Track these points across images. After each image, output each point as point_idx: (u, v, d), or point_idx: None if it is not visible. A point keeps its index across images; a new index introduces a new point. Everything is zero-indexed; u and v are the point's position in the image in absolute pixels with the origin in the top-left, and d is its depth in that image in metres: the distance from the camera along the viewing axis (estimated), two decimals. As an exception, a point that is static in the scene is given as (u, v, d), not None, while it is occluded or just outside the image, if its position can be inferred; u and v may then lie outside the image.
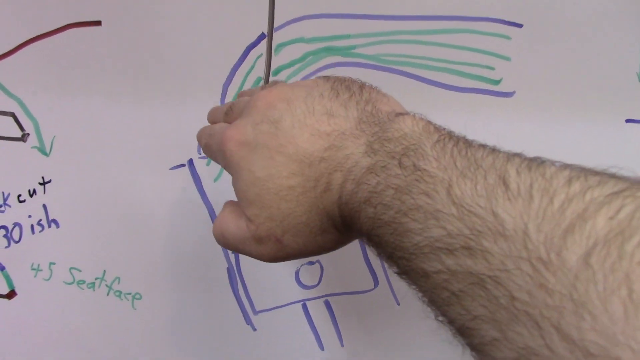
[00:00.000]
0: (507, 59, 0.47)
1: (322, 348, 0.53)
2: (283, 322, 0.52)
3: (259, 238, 0.29)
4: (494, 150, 0.24)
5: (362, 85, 0.31)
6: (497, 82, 0.48)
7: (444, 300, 0.22)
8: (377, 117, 0.28)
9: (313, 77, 0.33)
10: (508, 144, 0.48)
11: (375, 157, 0.26)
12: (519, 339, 0.19)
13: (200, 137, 0.37)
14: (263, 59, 0.48)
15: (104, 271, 0.51)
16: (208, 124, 0.48)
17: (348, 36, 0.47)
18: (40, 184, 0.50)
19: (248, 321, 0.52)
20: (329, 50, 0.48)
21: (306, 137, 0.28)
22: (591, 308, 0.17)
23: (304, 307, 0.52)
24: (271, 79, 0.48)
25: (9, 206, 0.50)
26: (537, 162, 0.22)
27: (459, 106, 0.48)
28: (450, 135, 0.26)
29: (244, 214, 0.30)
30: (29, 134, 0.49)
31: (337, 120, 0.28)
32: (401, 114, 0.28)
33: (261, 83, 0.48)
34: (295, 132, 0.28)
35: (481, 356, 0.21)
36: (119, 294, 0.52)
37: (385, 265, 0.27)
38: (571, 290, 0.18)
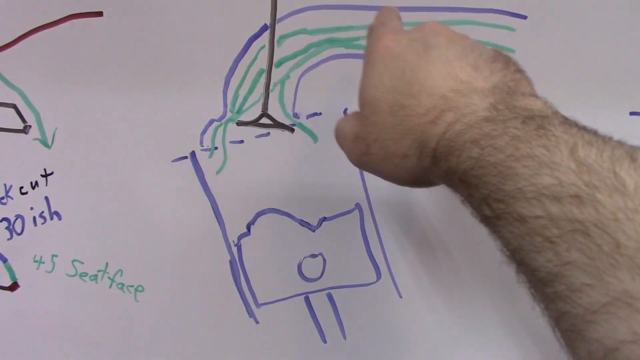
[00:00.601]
0: (512, 50, 0.47)
1: (324, 341, 0.53)
2: (285, 315, 0.52)
3: (356, 136, 0.32)
4: (620, 141, 0.24)
5: (518, 69, 0.31)
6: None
7: (535, 246, 0.22)
8: (513, 90, 0.29)
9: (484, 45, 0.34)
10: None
11: (495, 113, 0.26)
12: (618, 284, 0.19)
13: (377, 15, 0.38)
14: (265, 51, 0.48)
15: (107, 264, 0.51)
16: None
17: (351, 27, 0.47)
18: (42, 176, 0.50)
19: (250, 314, 0.52)
20: (332, 42, 0.47)
21: (442, 72, 0.29)
22: None
23: (307, 300, 0.52)
24: (274, 70, 0.48)
25: (11, 198, 0.50)
26: None
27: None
28: (577, 122, 0.26)
29: (359, 117, 0.32)
30: (30, 126, 0.49)
31: (477, 75, 0.29)
32: (535, 95, 0.29)
33: (264, 75, 0.48)
34: (437, 63, 0.29)
35: (559, 304, 0.22)
36: (121, 286, 0.52)
37: (470, 211, 0.27)
38: None
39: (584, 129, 0.25)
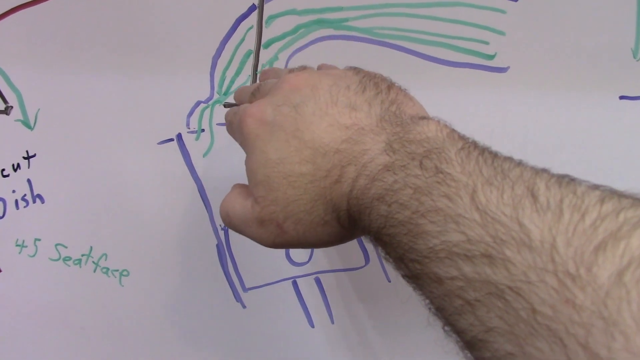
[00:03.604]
0: (502, 33, 0.47)
1: (312, 325, 0.53)
2: (273, 300, 0.52)
3: (261, 220, 0.29)
4: (520, 163, 0.23)
5: (390, 85, 0.30)
6: (491, 57, 0.47)
7: (455, 308, 0.21)
8: (400, 118, 0.28)
9: (344, 68, 0.33)
10: (501, 119, 0.47)
11: (394, 156, 0.25)
12: (539, 354, 0.18)
13: (226, 115, 0.37)
14: (253, 31, 0.47)
15: (91, 247, 0.51)
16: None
17: (340, 8, 0.46)
18: (24, 158, 0.49)
19: (238, 298, 0.52)
20: (321, 23, 0.47)
21: (325, 126, 0.28)
22: (624, 327, 0.16)
23: (294, 284, 0.52)
24: (263, 51, 0.47)
25: (-8, 181, 0.49)
26: (566, 179, 0.22)
27: (452, 81, 0.48)
28: (475, 144, 0.25)
29: (251, 196, 0.30)
30: (12, 107, 0.48)
31: (358, 115, 0.28)
32: (425, 117, 0.28)
33: (252, 56, 0.47)
34: (315, 119, 0.28)
35: None
36: (106, 270, 0.51)
37: (392, 266, 0.26)
38: (601, 307, 0.17)
39: (481, 155, 0.24)
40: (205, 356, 0.53)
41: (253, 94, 0.34)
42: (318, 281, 0.52)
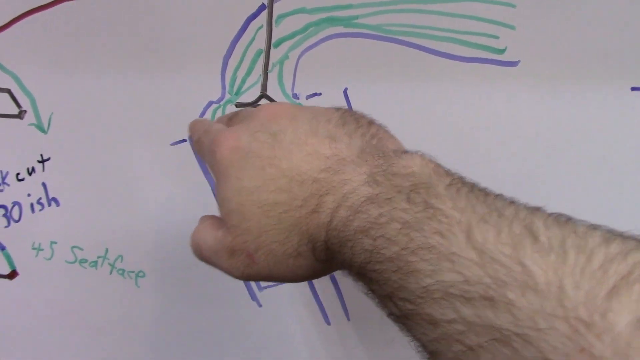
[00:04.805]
0: (512, 27, 0.47)
1: (328, 323, 0.53)
2: (288, 298, 0.52)
3: (232, 250, 0.28)
4: (513, 201, 0.22)
5: (371, 121, 0.30)
6: (501, 51, 0.47)
7: (455, 354, 0.20)
8: (382, 151, 0.27)
9: (324, 107, 0.32)
10: (512, 113, 0.47)
11: (378, 188, 0.24)
12: None
13: (193, 129, 0.35)
14: (263, 31, 0.47)
15: (107, 249, 0.51)
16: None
17: (350, 6, 0.46)
18: (39, 161, 0.49)
19: (253, 297, 0.52)
20: (331, 21, 0.47)
21: (303, 155, 0.27)
22: None
23: (309, 282, 0.52)
24: (273, 51, 0.47)
25: (8, 185, 0.49)
26: (564, 218, 0.21)
27: (463, 76, 0.48)
28: (462, 179, 0.24)
29: (222, 227, 0.29)
30: (25, 111, 0.48)
31: (339, 145, 0.27)
32: (408, 151, 0.27)
33: (262, 55, 0.47)
34: (293, 148, 0.27)
35: None
36: (122, 272, 0.51)
37: (376, 304, 0.25)
38: (623, 359, 0.16)
39: (471, 192, 0.23)
40: (222, 355, 0.53)
41: (230, 119, 0.34)
42: (333, 278, 0.52)
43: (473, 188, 0.23)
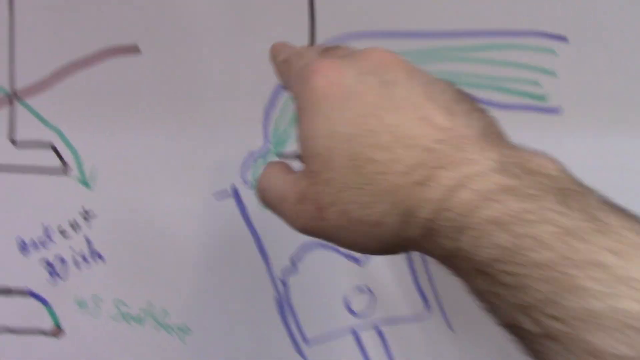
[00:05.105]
0: (553, 74, 0.46)
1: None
2: (336, 353, 0.51)
3: (302, 196, 0.25)
4: None
5: (485, 108, 0.26)
6: (543, 98, 0.47)
7: None
8: (506, 142, 0.24)
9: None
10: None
11: (516, 180, 0.21)
12: None
13: (278, 48, 0.31)
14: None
15: (152, 305, 0.50)
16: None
17: (393, 55, 0.46)
18: (83, 217, 0.49)
19: (299, 352, 0.51)
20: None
21: (415, 117, 0.23)
22: None
23: (355, 335, 0.51)
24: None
25: (52, 240, 0.49)
26: None
27: (504, 124, 0.48)
28: (601, 196, 0.21)
29: (293, 172, 0.27)
30: (69, 166, 0.49)
31: (457, 121, 0.23)
32: (531, 151, 0.23)
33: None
34: (406, 105, 0.23)
35: None
36: (167, 327, 0.51)
37: (479, 304, 0.22)
38: None
39: (621, 210, 0.20)
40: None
41: (325, 50, 0.29)
42: (379, 332, 0.51)
43: (613, 204, 0.21)
